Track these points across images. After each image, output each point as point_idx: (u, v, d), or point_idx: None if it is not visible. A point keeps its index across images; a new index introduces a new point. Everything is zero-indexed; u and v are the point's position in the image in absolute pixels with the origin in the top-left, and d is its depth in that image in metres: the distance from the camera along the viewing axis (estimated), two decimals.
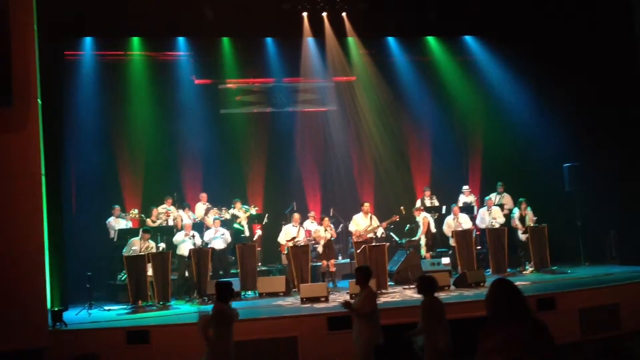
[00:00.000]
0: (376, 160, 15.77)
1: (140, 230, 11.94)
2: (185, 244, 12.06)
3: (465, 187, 14.66)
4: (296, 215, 12.85)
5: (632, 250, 12.81)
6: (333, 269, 12.58)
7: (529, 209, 13.29)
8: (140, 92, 14.54)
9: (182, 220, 12.84)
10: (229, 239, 12.53)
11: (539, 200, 13.72)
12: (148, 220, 13.01)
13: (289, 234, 12.59)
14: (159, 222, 13.03)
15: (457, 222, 13.09)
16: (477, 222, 13.42)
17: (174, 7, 12.86)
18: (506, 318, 3.65)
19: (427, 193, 14.52)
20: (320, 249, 12.47)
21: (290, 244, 12.32)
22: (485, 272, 12.11)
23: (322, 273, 12.54)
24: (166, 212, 13.16)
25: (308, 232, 12.80)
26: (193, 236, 12.02)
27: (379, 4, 13.90)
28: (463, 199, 14.42)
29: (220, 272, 12.40)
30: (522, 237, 13.13)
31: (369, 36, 15.22)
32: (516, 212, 13.39)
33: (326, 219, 12.74)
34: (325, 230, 12.50)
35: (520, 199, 13.46)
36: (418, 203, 14.23)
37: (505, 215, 13.53)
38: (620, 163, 13.05)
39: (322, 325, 9.08)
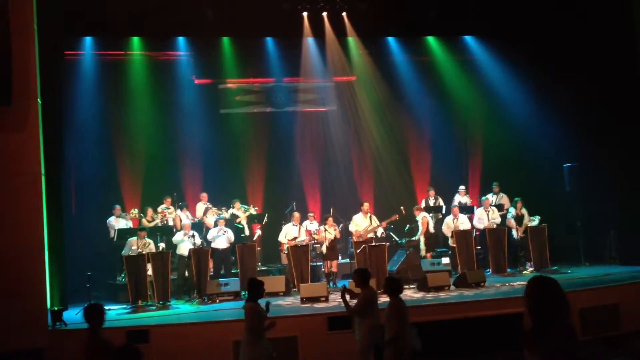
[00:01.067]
0: (376, 160, 15.76)
1: (137, 229, 11.98)
2: (184, 243, 12.07)
3: (461, 187, 14.64)
4: (297, 214, 12.86)
5: (632, 250, 12.82)
6: (335, 270, 12.57)
7: (523, 209, 13.29)
8: (140, 91, 14.55)
9: (180, 220, 12.85)
10: (232, 238, 12.53)
11: (538, 200, 13.73)
12: (143, 220, 13.03)
13: (290, 233, 12.59)
14: (154, 222, 13.05)
15: (456, 222, 13.09)
16: (475, 222, 13.42)
17: (174, 6, 12.88)
18: (551, 324, 3.42)
19: (432, 193, 14.53)
20: (324, 249, 12.46)
21: (292, 243, 12.31)
22: (485, 272, 12.12)
23: (326, 274, 12.52)
24: (162, 212, 13.17)
25: (308, 232, 12.80)
26: (193, 236, 12.02)
27: (379, 4, 13.91)
28: (458, 198, 14.40)
29: (222, 272, 12.41)
30: (519, 237, 13.13)
31: (369, 36, 15.23)
32: (512, 212, 13.40)
33: (330, 219, 12.73)
34: (326, 230, 12.49)
35: (516, 199, 13.46)
36: (423, 203, 14.23)
37: (503, 215, 13.54)
38: (620, 163, 13.06)
39: (322, 325, 9.08)
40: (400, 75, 15.84)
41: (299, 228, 12.62)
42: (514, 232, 13.26)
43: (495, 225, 13.09)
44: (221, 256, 12.42)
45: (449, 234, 13.11)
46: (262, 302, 6.86)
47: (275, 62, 15.27)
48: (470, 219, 13.50)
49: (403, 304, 6.66)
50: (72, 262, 11.52)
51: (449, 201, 14.34)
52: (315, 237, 12.63)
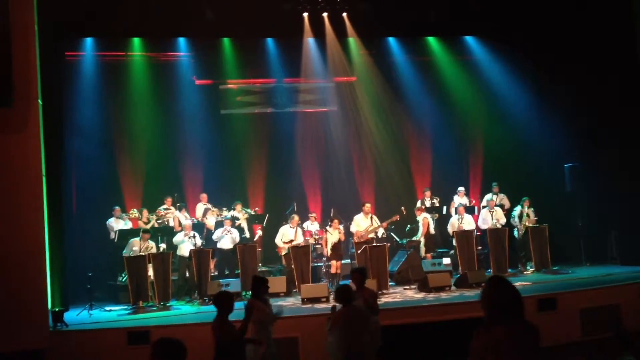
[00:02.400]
0: (377, 161, 15.76)
1: (141, 231, 11.98)
2: (185, 244, 12.05)
3: (460, 189, 14.62)
4: (296, 217, 12.82)
5: (632, 250, 12.81)
6: (339, 271, 12.51)
7: (530, 208, 13.28)
8: (141, 92, 14.54)
9: (179, 221, 12.82)
10: (238, 239, 12.51)
11: (539, 200, 13.72)
12: (139, 222, 13.02)
13: (287, 235, 12.55)
14: (150, 223, 13.05)
15: (461, 222, 13.08)
16: (479, 222, 13.43)
17: (174, 7, 12.86)
18: (500, 318, 3.58)
19: (428, 193, 14.51)
20: (328, 251, 12.42)
21: (288, 245, 12.27)
22: (486, 273, 12.12)
23: (332, 274, 12.45)
24: (157, 212, 13.18)
25: (309, 233, 12.77)
26: (194, 236, 12.01)
27: (380, 5, 13.90)
28: (458, 200, 14.38)
29: (226, 272, 12.41)
30: (519, 235, 13.12)
31: (370, 36, 15.22)
32: (517, 211, 13.38)
33: (336, 220, 12.69)
34: (327, 231, 12.46)
35: (524, 198, 13.44)
36: (418, 204, 14.22)
37: (505, 215, 13.54)
38: (621, 163, 13.04)
39: (322, 325, 9.02)
40: (400, 75, 15.83)
41: (296, 230, 12.58)
42: (515, 231, 13.24)
43: (500, 226, 13.07)
44: (225, 256, 12.40)
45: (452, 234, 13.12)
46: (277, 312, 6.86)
47: (275, 62, 15.26)
48: (474, 220, 13.50)
49: (355, 311, 6.59)
50: (72, 263, 11.52)
51: (449, 202, 14.33)
52: (316, 237, 12.59)
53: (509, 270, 12.80)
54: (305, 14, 14.23)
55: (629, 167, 12.89)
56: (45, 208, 9.22)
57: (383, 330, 7.19)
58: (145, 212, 13.22)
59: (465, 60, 15.95)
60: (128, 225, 13.01)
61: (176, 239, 12.21)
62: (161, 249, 11.88)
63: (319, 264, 12.93)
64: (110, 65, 14.59)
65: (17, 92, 8.85)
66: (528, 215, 13.22)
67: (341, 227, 12.70)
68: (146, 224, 13.05)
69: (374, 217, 12.72)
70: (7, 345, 8.40)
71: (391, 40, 15.78)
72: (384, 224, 12.73)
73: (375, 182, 15.88)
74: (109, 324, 9.64)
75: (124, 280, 11.68)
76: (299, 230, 12.65)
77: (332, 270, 12.43)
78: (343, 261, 13.51)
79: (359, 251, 12.00)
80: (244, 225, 13.48)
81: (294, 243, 12.37)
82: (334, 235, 12.38)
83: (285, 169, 15.39)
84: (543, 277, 12.11)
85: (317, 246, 12.77)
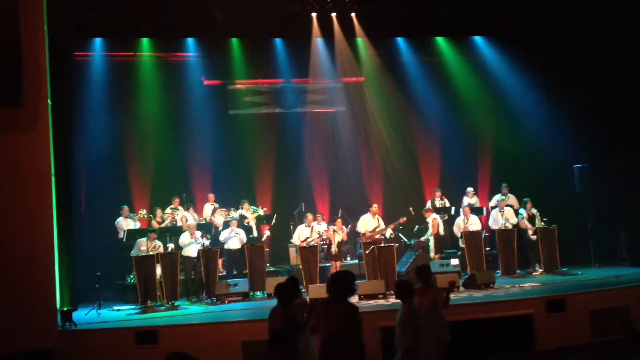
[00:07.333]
0: (385, 161, 15.72)
1: (148, 230, 11.99)
2: (191, 245, 12.00)
3: (470, 189, 14.55)
4: (310, 216, 12.83)
5: None
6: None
7: (534, 209, 13.21)
8: (149, 92, 14.58)
9: (186, 221, 12.83)
10: (245, 239, 12.50)
11: (549, 201, 13.65)
12: (153, 221, 13.04)
13: (302, 234, 12.54)
14: (164, 223, 13.05)
15: (466, 223, 13.03)
16: (490, 223, 13.36)
17: (183, 8, 12.91)
18: (331, 301, 5.39)
19: (438, 194, 14.46)
20: (334, 249, 12.41)
21: (304, 244, 12.27)
22: (494, 274, 12.07)
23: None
24: (171, 213, 13.19)
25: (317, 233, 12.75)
26: (201, 236, 11.98)
27: (388, 5, 13.88)
28: (467, 200, 14.31)
29: (234, 272, 12.41)
30: (532, 237, 13.06)
31: (378, 36, 15.20)
32: (523, 213, 13.32)
33: (339, 220, 12.68)
34: (335, 231, 12.44)
35: (525, 199, 13.37)
36: (429, 204, 14.18)
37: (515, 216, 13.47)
38: (631, 164, 12.98)
39: None
40: (409, 75, 15.80)
41: (311, 229, 12.57)
42: (529, 232, 13.16)
43: (511, 226, 13.00)
44: (233, 257, 12.40)
45: (459, 235, 13.06)
46: None
47: (284, 62, 15.26)
48: (482, 220, 13.43)
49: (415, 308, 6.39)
50: (81, 263, 11.56)
51: (457, 202, 14.27)
52: (324, 238, 12.58)
53: (518, 271, 12.75)
54: (314, 14, 14.24)
55: (639, 168, 12.81)
56: (54, 207, 9.26)
57: (388, 331, 7.14)
58: (159, 212, 13.21)
59: (474, 61, 15.90)
60: (137, 225, 13.03)
61: (182, 239, 12.15)
62: (169, 249, 11.88)
63: (327, 264, 12.91)
64: (119, 65, 14.62)
65: (26, 92, 8.90)
66: (534, 216, 13.14)
67: (344, 227, 12.71)
68: (160, 223, 13.04)
69: (380, 219, 12.68)
70: (16, 344, 8.43)
71: (400, 40, 15.75)
72: (391, 226, 12.71)
73: (383, 183, 15.84)
74: (118, 324, 9.67)
75: (132, 280, 11.71)
76: (314, 229, 12.64)
77: (332, 271, 12.39)
78: (351, 261, 13.54)
79: (367, 251, 11.97)
80: (252, 224, 13.46)
81: (308, 241, 12.35)
82: (339, 235, 12.38)
83: (293, 169, 15.39)
84: (552, 279, 12.05)
85: (324, 247, 12.75)
